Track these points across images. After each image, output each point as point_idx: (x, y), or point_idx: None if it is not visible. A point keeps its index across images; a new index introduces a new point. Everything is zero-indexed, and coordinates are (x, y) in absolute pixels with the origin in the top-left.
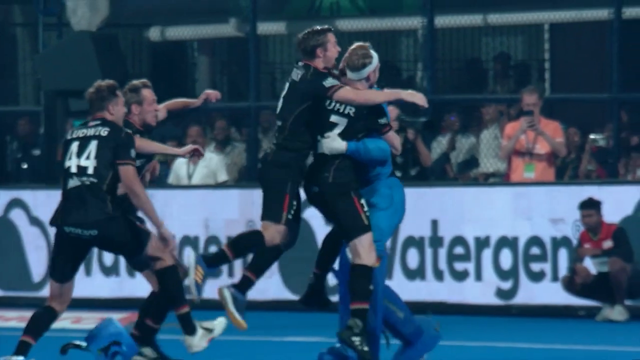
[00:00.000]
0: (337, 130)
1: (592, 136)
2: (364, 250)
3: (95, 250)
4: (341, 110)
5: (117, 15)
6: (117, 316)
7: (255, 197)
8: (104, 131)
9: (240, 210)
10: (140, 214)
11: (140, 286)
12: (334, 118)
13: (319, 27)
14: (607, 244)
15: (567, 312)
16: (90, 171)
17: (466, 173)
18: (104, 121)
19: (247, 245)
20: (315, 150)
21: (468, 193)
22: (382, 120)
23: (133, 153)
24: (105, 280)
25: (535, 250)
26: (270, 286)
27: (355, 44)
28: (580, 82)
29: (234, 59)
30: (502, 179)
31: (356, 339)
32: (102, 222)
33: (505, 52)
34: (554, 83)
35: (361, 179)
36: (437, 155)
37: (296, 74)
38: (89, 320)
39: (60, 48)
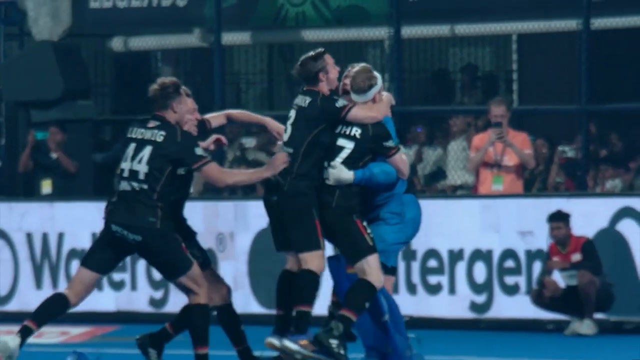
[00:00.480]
0: (344, 154)
1: (560, 148)
2: (371, 270)
3: (55, 262)
4: (347, 133)
5: (79, 25)
6: (78, 330)
7: (219, 209)
8: (159, 136)
9: (204, 222)
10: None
11: (102, 300)
12: (341, 141)
13: (313, 53)
14: (576, 257)
15: (536, 326)
16: (141, 177)
17: (433, 185)
18: (163, 123)
19: (310, 288)
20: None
21: (436, 205)
22: (388, 144)
23: (199, 150)
24: None
25: (505, 263)
26: (236, 299)
27: (358, 66)
28: (549, 94)
29: (198, 70)
30: (470, 191)
31: (334, 342)
32: (148, 230)
33: (472, 63)
34: (522, 94)
35: (373, 201)
36: None
37: (303, 100)
38: (51, 334)
39: (22, 58)
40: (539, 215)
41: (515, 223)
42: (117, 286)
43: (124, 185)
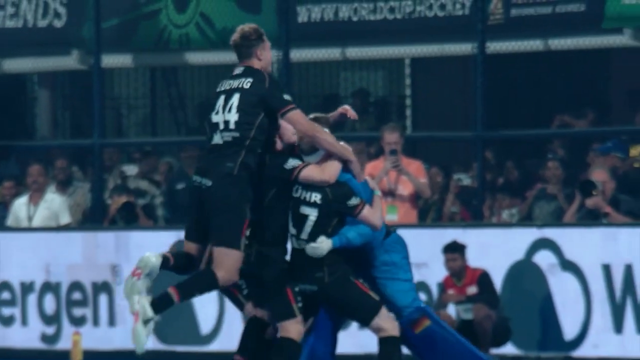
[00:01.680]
0: (311, 223)
1: (456, 176)
2: (385, 323)
3: None
4: (308, 200)
5: None
6: None
7: (99, 240)
8: (247, 83)
9: (83, 254)
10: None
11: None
12: (304, 209)
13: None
14: (472, 289)
15: None
16: (232, 126)
17: None
18: (248, 70)
19: (290, 357)
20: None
21: None
22: (351, 202)
23: (288, 96)
24: None
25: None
26: (116, 334)
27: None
28: (443, 120)
29: (77, 93)
30: None
31: None
32: (221, 174)
33: (364, 87)
34: (415, 120)
35: (356, 254)
36: None
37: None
38: None
39: None
40: (434, 246)
41: (410, 255)
42: (6, 322)
43: (217, 139)
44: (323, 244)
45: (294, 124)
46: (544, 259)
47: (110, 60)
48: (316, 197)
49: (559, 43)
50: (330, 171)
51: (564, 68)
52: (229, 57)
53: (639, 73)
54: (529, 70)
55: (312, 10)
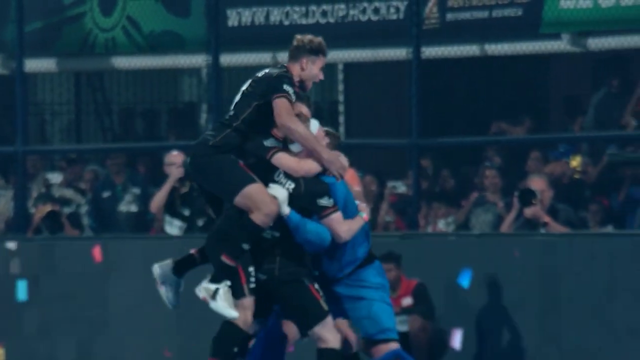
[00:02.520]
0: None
1: (391, 184)
2: (327, 334)
3: None
4: (282, 184)
5: None
6: None
7: (21, 250)
8: (262, 72)
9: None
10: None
11: None
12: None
13: None
14: (407, 301)
15: None
16: (232, 106)
17: None
18: (279, 67)
19: (228, 342)
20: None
21: None
22: (322, 202)
23: (288, 87)
24: None
25: None
26: (42, 348)
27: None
28: (378, 126)
29: None
30: None
31: None
32: (201, 148)
33: None
34: (349, 127)
35: (338, 266)
36: None
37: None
38: None
39: None
40: None
41: None
42: None
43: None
44: (280, 192)
45: (274, 110)
46: (482, 268)
47: (34, 64)
48: (290, 186)
49: (495, 48)
50: (306, 163)
51: (500, 74)
52: (157, 62)
53: (576, 79)
54: (465, 76)
55: (243, 14)
